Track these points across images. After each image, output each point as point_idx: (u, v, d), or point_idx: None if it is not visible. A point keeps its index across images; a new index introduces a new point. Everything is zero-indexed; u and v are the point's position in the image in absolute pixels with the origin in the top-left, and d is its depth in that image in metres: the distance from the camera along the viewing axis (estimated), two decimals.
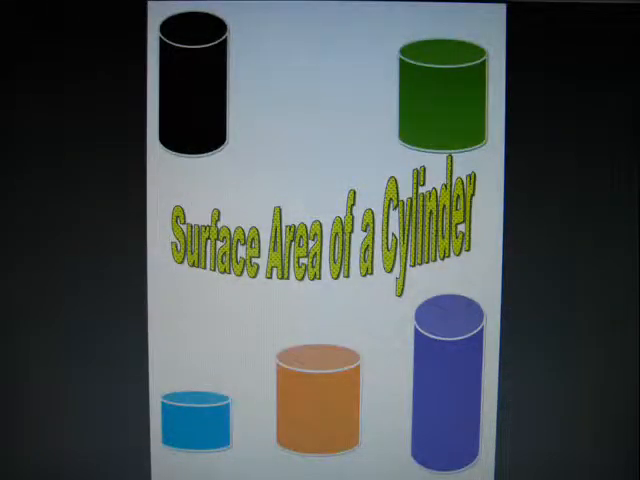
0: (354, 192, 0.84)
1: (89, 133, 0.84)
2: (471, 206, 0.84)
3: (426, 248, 0.85)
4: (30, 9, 0.83)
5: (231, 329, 0.86)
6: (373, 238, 0.85)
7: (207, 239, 0.85)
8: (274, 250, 0.85)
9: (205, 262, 0.85)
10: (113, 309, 0.86)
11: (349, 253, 0.85)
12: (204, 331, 0.86)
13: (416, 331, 0.85)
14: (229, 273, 0.85)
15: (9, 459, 0.88)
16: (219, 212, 0.85)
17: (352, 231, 0.85)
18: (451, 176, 0.84)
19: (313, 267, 0.85)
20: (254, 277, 0.85)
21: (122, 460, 0.88)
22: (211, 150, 0.84)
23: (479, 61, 0.83)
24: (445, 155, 0.84)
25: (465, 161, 0.84)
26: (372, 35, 0.83)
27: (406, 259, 0.85)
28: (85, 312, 0.86)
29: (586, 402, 0.86)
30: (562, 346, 0.86)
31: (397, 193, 0.84)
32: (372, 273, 0.85)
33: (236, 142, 0.84)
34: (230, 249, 0.85)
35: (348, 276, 0.85)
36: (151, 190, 0.85)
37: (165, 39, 0.83)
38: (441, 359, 0.86)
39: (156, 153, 0.84)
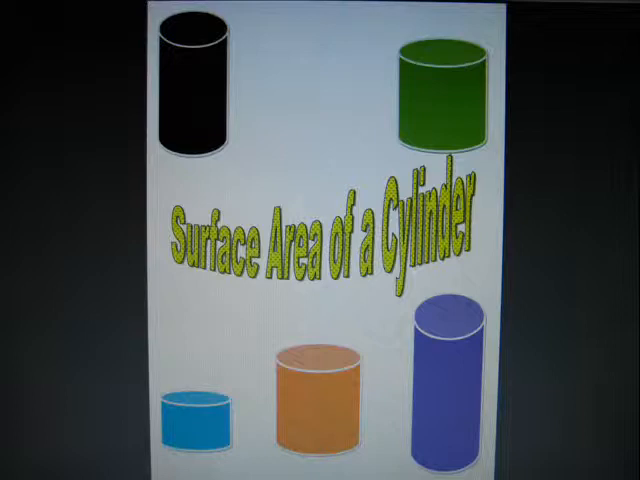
0: (354, 192, 0.84)
1: (89, 133, 0.84)
2: (471, 206, 0.84)
3: (426, 248, 0.85)
4: (30, 9, 0.83)
5: (231, 329, 0.86)
6: (373, 238, 0.85)
7: (207, 239, 0.85)
8: (274, 250, 0.85)
9: (205, 262, 0.85)
10: (113, 309, 0.86)
11: (349, 253, 0.85)
12: (204, 331, 0.86)
13: (416, 331, 0.85)
14: (229, 273, 0.85)
15: (9, 459, 0.88)
16: (219, 212, 0.85)
17: (352, 231, 0.85)
18: (451, 176, 0.84)
19: (313, 267, 0.85)
20: (254, 277, 0.85)
21: (122, 460, 0.88)
22: (211, 150, 0.84)
23: (479, 61, 0.83)
24: (445, 155, 0.84)
25: (465, 161, 0.84)
26: (372, 35, 0.83)
27: (406, 259, 0.85)
28: (85, 312, 0.86)
29: (586, 402, 0.86)
30: (562, 346, 0.86)
31: (397, 193, 0.84)
32: (372, 273, 0.85)
33: (236, 142, 0.84)
34: (230, 249, 0.85)
35: (348, 276, 0.85)
36: (151, 190, 0.85)
37: (165, 39, 0.83)
38: (441, 359, 0.86)
39: (156, 153, 0.84)
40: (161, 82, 0.84)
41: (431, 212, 0.84)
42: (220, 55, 0.83)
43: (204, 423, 0.87)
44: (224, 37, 0.83)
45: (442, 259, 0.85)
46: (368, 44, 0.83)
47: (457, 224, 0.84)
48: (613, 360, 0.86)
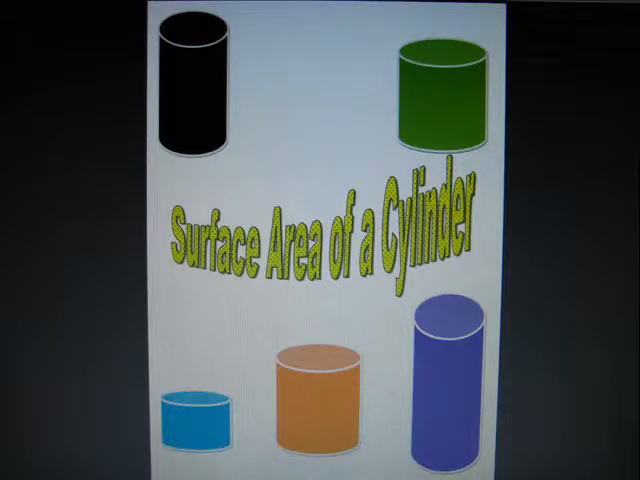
0: (354, 192, 0.84)
1: (89, 133, 0.84)
2: (471, 206, 0.84)
3: (426, 248, 0.85)
4: (30, 9, 0.83)
5: (231, 329, 0.86)
6: (373, 238, 0.85)
7: (207, 239, 0.85)
8: (274, 250, 0.85)
9: (205, 262, 0.85)
10: (113, 309, 0.86)
11: (349, 253, 0.85)
12: (204, 331, 0.86)
13: (416, 331, 0.85)
14: (229, 273, 0.85)
15: (9, 459, 0.88)
16: (219, 212, 0.85)
17: (352, 231, 0.85)
18: (451, 176, 0.84)
19: (313, 267, 0.85)
20: (254, 277, 0.85)
21: (122, 460, 0.88)
22: (211, 150, 0.84)
23: (479, 61, 0.83)
24: (445, 155, 0.84)
25: (465, 161, 0.84)
26: (372, 35, 0.83)
27: (406, 259, 0.85)
28: (85, 312, 0.86)
29: (586, 402, 0.86)
30: (562, 346, 0.86)
31: (397, 193, 0.84)
32: (372, 273, 0.85)
33: (236, 142, 0.84)
34: (230, 249, 0.85)
35: (348, 276, 0.85)
36: (151, 190, 0.85)
37: (165, 39, 0.83)
38: (441, 359, 0.86)
39: (156, 153, 0.84)
40: (161, 82, 0.84)
41: (431, 212, 0.84)
42: (220, 55, 0.83)
43: (204, 423, 0.87)
44: (224, 37, 0.83)
45: (442, 259, 0.85)
46: (368, 44, 0.83)
47: (457, 224, 0.84)
48: (613, 360, 0.86)
